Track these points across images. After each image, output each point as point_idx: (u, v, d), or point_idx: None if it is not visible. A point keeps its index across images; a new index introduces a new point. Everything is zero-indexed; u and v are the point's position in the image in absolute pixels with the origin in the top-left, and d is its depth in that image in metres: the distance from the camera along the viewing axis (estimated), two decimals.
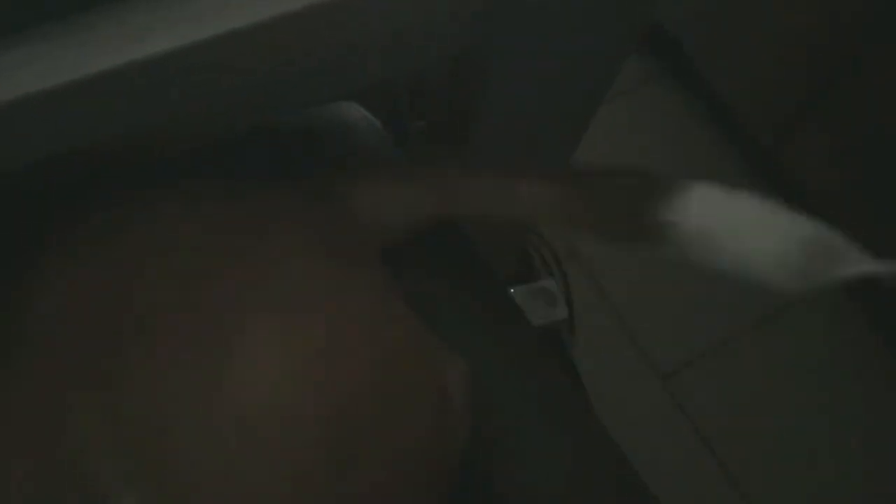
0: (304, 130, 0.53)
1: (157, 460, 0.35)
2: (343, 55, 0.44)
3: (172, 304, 0.38)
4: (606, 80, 0.61)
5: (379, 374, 0.39)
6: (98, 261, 0.39)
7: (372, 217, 0.45)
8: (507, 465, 0.47)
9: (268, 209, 0.43)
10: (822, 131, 1.08)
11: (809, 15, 1.02)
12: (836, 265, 0.38)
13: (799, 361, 1.14)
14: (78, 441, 0.35)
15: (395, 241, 0.47)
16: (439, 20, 0.45)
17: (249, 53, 0.37)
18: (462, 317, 0.51)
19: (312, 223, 0.43)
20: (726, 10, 1.15)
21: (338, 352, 0.38)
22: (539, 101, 0.57)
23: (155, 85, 0.36)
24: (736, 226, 0.39)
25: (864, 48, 0.98)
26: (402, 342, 0.41)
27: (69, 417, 0.36)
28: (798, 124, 1.11)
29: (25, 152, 0.36)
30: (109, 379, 0.36)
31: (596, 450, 0.49)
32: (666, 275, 1.17)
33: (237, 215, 0.42)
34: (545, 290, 0.99)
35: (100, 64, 0.34)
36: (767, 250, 0.39)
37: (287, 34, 0.38)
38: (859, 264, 0.38)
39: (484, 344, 0.51)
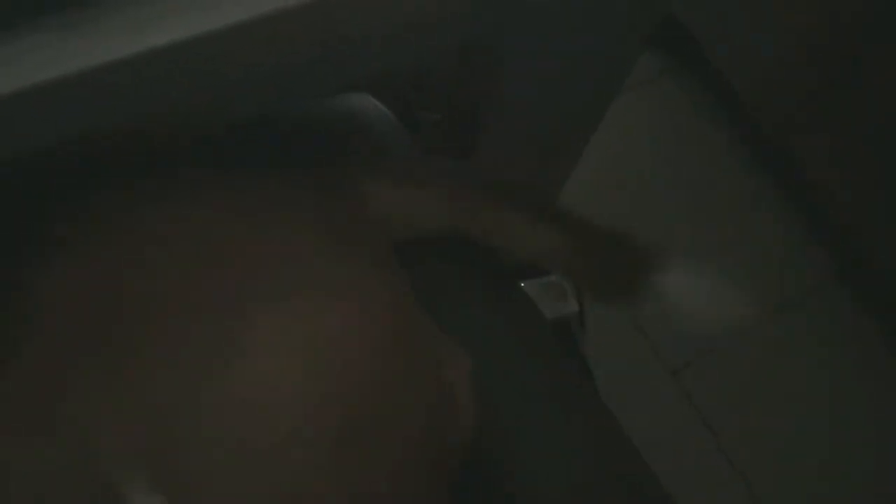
0: (315, 121, 0.53)
1: (165, 446, 0.35)
2: (346, 46, 0.44)
3: (181, 293, 0.38)
4: (616, 79, 0.61)
5: (383, 367, 0.39)
6: (104, 250, 0.39)
7: (384, 216, 0.46)
8: (515, 462, 0.47)
9: (278, 200, 0.43)
10: (824, 130, 1.08)
11: (810, 14, 1.02)
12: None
13: (809, 358, 1.14)
14: (86, 428, 0.35)
15: (405, 239, 0.47)
16: (441, 13, 0.45)
17: (257, 44, 0.37)
18: (471, 311, 0.51)
19: (324, 215, 0.43)
20: (736, 7, 1.14)
21: (345, 344, 0.38)
22: (546, 100, 0.57)
23: (162, 75, 0.36)
24: (695, 300, 0.50)
25: (865, 48, 0.97)
26: (408, 337, 0.41)
27: (76, 405, 0.36)
28: (801, 123, 1.11)
29: (29, 142, 0.36)
30: (117, 367, 0.36)
31: (606, 447, 0.49)
32: None
33: (248, 205, 0.42)
34: (555, 285, 0.99)
35: (106, 54, 0.34)
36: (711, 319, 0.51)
37: (296, 24, 0.37)
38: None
39: (494, 338, 0.51)
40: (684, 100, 1.32)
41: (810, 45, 1.05)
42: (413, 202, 0.47)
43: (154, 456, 0.35)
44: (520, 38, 0.50)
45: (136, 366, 0.36)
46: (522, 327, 0.51)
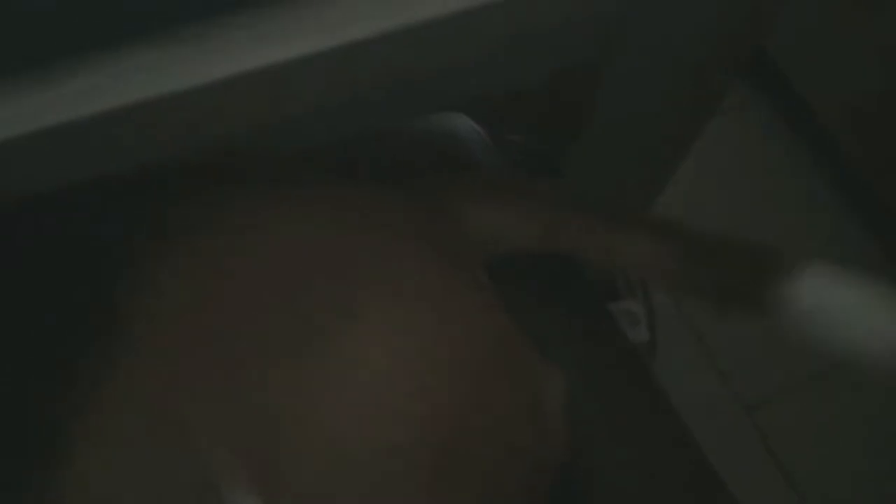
0: (413, 139, 0.54)
1: (268, 449, 0.36)
2: (460, 67, 0.45)
3: (288, 302, 0.39)
4: (711, 103, 0.61)
5: (484, 388, 0.39)
6: (216, 255, 0.40)
7: (479, 233, 0.46)
8: (601, 488, 0.46)
9: (381, 213, 0.43)
10: None
11: None
12: None
13: (892, 404, 1.10)
14: (193, 430, 0.36)
15: (497, 256, 0.47)
16: (560, 31, 0.45)
17: (364, 66, 0.38)
18: (559, 331, 0.51)
19: (422, 231, 0.43)
20: (824, 35, 1.12)
21: (444, 358, 0.39)
22: (642, 121, 0.57)
23: (271, 91, 0.37)
24: (849, 313, 0.40)
25: None
26: (507, 358, 0.41)
27: (185, 409, 0.37)
28: (891, 158, 1.07)
29: (150, 153, 0.37)
30: (219, 371, 0.37)
31: (694, 479, 0.49)
32: None
33: (349, 219, 0.43)
34: (628, 312, 0.98)
35: (230, 68, 0.34)
36: (879, 343, 0.39)
37: (410, 46, 0.38)
38: None
39: (580, 360, 0.50)
40: (767, 131, 1.29)
41: None
42: (508, 221, 0.47)
43: (253, 458, 0.35)
44: (619, 59, 0.51)
45: (238, 369, 0.37)
46: (610, 350, 0.51)
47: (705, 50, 0.52)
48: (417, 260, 0.42)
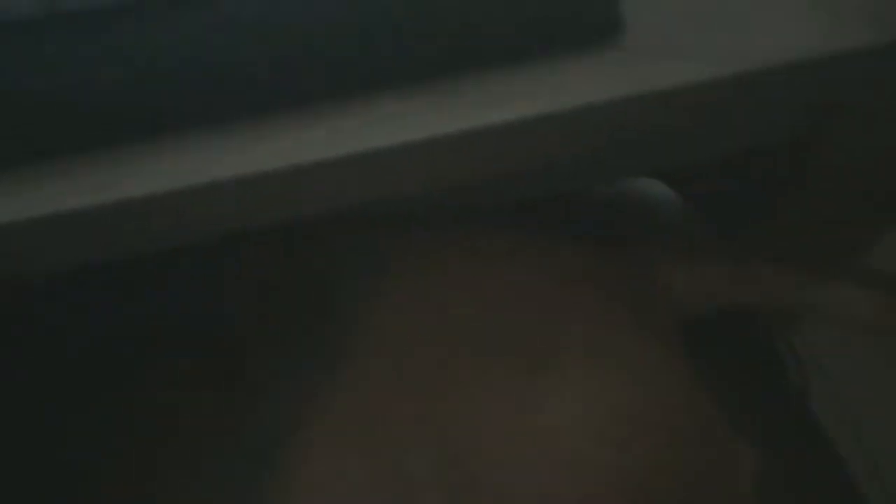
0: (605, 203, 0.55)
1: (464, 469, 0.38)
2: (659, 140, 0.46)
3: (495, 339, 0.41)
4: None
5: (675, 450, 0.40)
6: (434, 291, 0.43)
7: (678, 297, 0.47)
8: None
9: (588, 272, 0.45)
10: None
11: None
12: None
13: None
14: (402, 443, 0.39)
15: (695, 318, 0.48)
16: (764, 110, 0.45)
17: (567, 133, 0.39)
18: (750, 408, 0.51)
19: (624, 291, 0.45)
20: None
21: (640, 419, 0.39)
22: (842, 201, 0.56)
23: (482, 152, 0.38)
24: None
25: None
26: (700, 425, 0.42)
27: (397, 423, 0.39)
28: None
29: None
30: (437, 392, 0.40)
31: None
32: None
33: (561, 272, 0.45)
34: None
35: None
36: None
37: (617, 118, 0.39)
38: None
39: (766, 433, 0.50)
40: None
41: None
42: (706, 285, 0.47)
43: (457, 472, 0.38)
44: (822, 140, 0.50)
45: (459, 392, 0.40)
46: (799, 433, 0.50)
47: None
48: (618, 318, 0.43)
